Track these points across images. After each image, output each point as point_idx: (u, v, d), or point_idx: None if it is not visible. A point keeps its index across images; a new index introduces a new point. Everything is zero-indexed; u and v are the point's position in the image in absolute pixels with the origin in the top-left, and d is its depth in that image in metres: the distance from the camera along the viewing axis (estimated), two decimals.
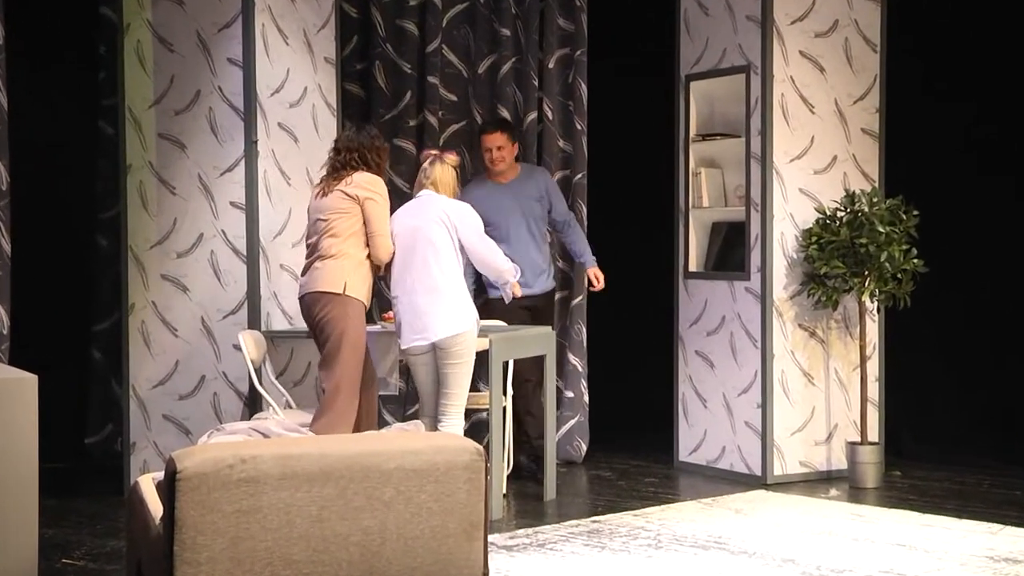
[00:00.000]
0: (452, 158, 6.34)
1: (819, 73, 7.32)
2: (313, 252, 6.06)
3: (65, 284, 8.09)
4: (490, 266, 6.28)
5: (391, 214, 6.20)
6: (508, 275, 6.34)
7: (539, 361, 6.96)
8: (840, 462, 7.36)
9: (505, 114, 7.87)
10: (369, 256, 6.06)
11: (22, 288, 7.67)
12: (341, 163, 6.10)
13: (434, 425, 6.22)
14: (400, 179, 7.76)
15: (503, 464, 6.68)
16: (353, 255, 6.02)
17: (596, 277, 7.50)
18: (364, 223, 6.03)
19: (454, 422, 6.18)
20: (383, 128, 7.76)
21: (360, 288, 6.02)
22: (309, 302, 6.00)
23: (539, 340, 6.81)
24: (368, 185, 6.05)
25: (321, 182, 6.17)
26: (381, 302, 7.44)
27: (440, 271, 6.13)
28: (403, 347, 6.15)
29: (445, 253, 6.15)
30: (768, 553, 5.64)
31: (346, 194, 6.03)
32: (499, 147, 7.29)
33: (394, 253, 6.16)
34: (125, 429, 6.87)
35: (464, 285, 6.23)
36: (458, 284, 6.18)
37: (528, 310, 7.32)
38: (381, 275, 6.33)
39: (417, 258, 6.14)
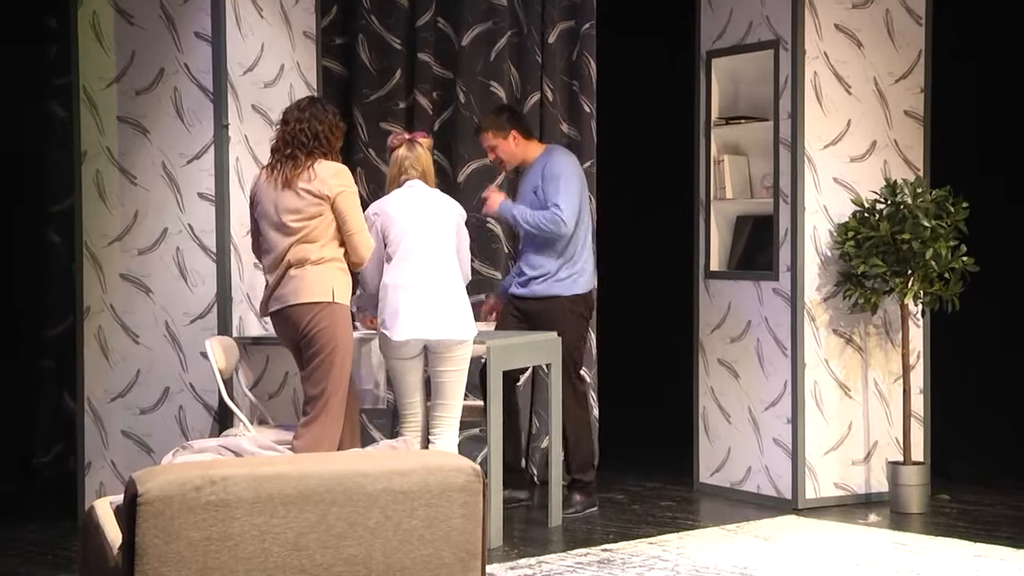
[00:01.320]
0: (426, 140, 6.45)
1: (856, 48, 7.31)
2: (282, 259, 6.00)
3: (11, 285, 8.07)
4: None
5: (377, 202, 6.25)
6: None
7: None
8: (880, 484, 7.35)
9: (501, 94, 7.85)
10: (345, 256, 6.05)
11: None
12: (291, 135, 5.98)
13: (425, 440, 6.21)
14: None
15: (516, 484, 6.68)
16: (334, 259, 5.99)
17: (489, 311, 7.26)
18: (338, 222, 5.99)
19: (449, 437, 6.18)
20: (368, 110, 7.77)
21: (346, 293, 6.01)
22: (293, 315, 5.95)
23: (542, 347, 6.80)
24: (335, 179, 5.96)
25: (273, 164, 6.04)
26: None
27: (452, 272, 6.25)
28: (395, 339, 6.13)
29: (451, 256, 6.29)
30: None
31: (313, 194, 5.93)
32: (491, 147, 7.12)
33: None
34: (79, 447, 6.86)
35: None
36: (463, 288, 6.30)
37: (517, 317, 7.20)
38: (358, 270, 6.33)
39: (426, 252, 6.21)
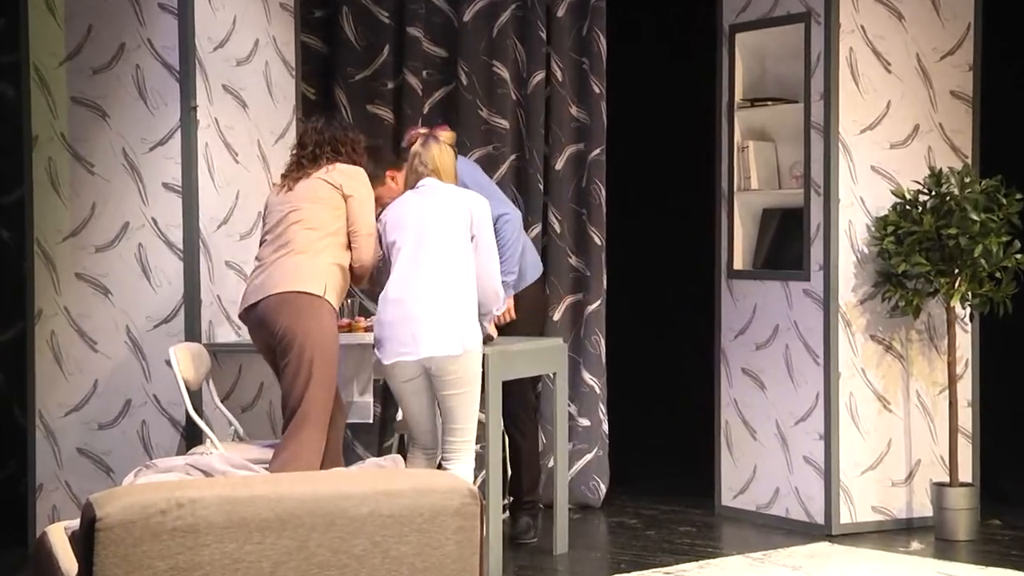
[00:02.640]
0: (446, 134, 6.27)
1: (897, 21, 7.30)
2: (275, 247, 6.02)
3: None
4: (486, 284, 6.20)
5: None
6: (494, 304, 6.27)
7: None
8: (924, 508, 7.34)
9: (504, 75, 7.85)
10: (349, 263, 6.05)
11: None
12: (310, 157, 6.10)
13: (431, 462, 6.17)
14: None
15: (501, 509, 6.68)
16: (333, 256, 5.99)
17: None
18: (348, 219, 6.02)
19: (466, 462, 6.07)
20: (353, 91, 7.76)
21: (337, 296, 5.99)
22: (271, 307, 5.92)
23: (546, 355, 6.80)
24: (353, 175, 6.06)
25: (285, 178, 6.15)
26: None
27: (454, 281, 6.04)
28: (384, 361, 6.08)
29: (464, 259, 6.08)
30: None
31: (327, 182, 6.02)
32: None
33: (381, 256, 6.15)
34: (30, 467, 6.85)
35: (475, 298, 6.14)
36: (472, 296, 6.10)
37: None
38: (361, 286, 6.32)
39: (423, 262, 6.03)
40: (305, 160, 6.11)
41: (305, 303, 5.89)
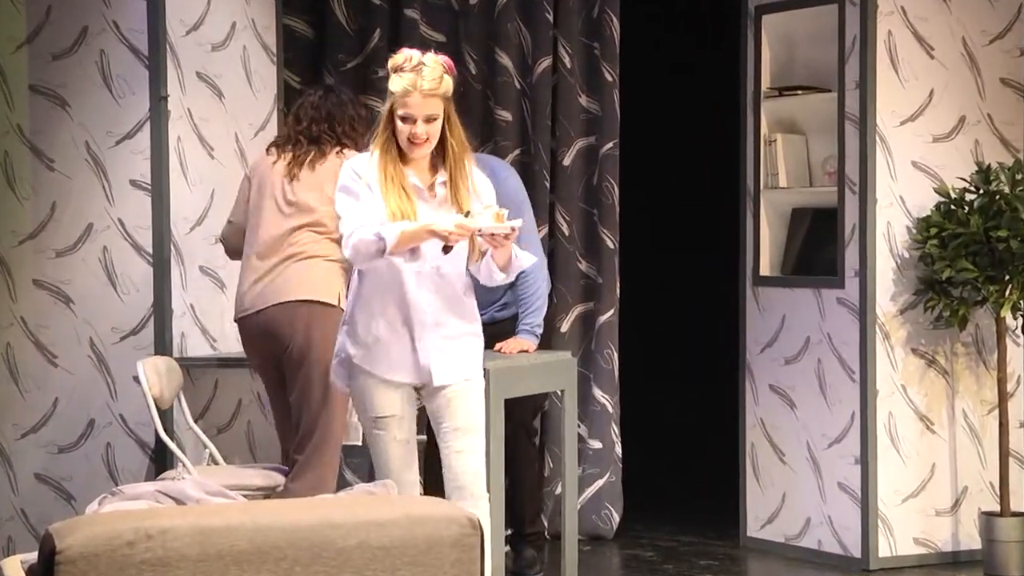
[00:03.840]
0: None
1: (941, 2, 7.30)
2: (279, 249, 6.04)
3: None
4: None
5: None
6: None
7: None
8: (971, 540, 7.33)
9: (505, 61, 7.85)
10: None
11: None
12: (308, 136, 6.11)
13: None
14: None
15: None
16: (340, 260, 6.02)
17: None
18: None
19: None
20: (343, 80, 7.77)
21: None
22: (280, 316, 5.95)
23: (553, 370, 6.78)
24: None
25: (285, 151, 6.15)
26: None
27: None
28: None
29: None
30: None
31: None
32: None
33: None
34: None
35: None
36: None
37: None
38: None
39: None
40: (303, 138, 6.12)
41: (319, 314, 5.95)
